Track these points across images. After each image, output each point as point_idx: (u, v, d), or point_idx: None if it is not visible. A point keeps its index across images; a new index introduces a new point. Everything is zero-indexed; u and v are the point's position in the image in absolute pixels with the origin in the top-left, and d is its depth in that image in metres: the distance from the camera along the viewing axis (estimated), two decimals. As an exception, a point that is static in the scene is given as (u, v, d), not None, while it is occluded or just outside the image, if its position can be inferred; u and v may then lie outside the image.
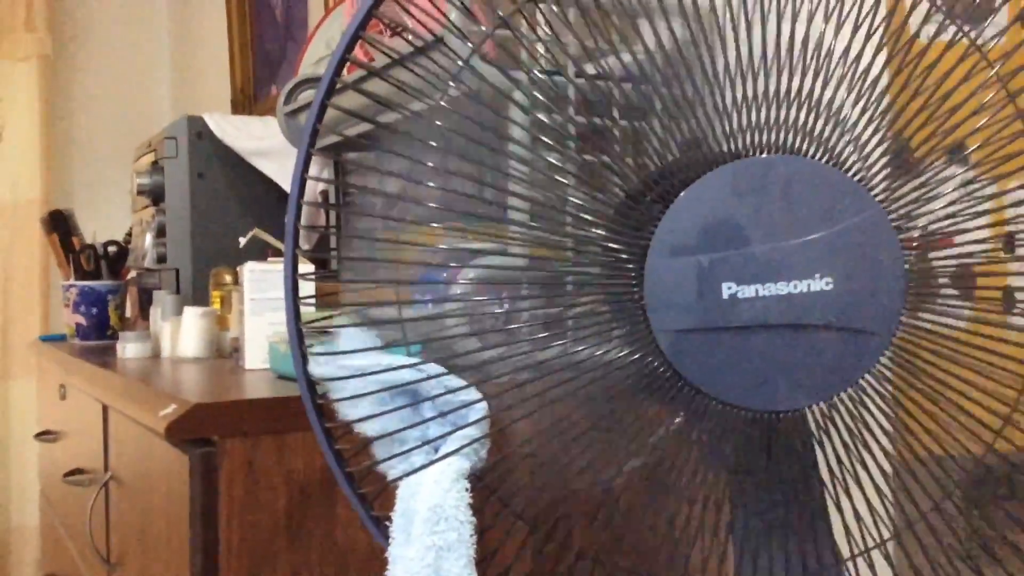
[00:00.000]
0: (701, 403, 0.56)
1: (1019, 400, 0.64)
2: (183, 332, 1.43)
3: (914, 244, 0.57)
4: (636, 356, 0.57)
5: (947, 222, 0.63)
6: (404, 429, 0.59)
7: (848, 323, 0.54)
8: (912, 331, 0.61)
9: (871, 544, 0.67)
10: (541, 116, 0.63)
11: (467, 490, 0.57)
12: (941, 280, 0.58)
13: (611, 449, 0.60)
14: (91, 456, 1.45)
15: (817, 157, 0.56)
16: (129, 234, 1.94)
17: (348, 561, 0.94)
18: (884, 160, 0.63)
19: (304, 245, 1.55)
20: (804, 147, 0.56)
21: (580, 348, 0.57)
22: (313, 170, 1.59)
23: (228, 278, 1.55)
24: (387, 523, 0.61)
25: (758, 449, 0.57)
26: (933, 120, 0.61)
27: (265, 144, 1.60)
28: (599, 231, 0.58)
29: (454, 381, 0.59)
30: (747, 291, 0.53)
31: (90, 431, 1.46)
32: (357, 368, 0.60)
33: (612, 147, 0.60)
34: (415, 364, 0.60)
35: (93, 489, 1.42)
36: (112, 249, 1.90)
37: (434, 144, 0.65)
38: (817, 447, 0.63)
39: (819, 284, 0.54)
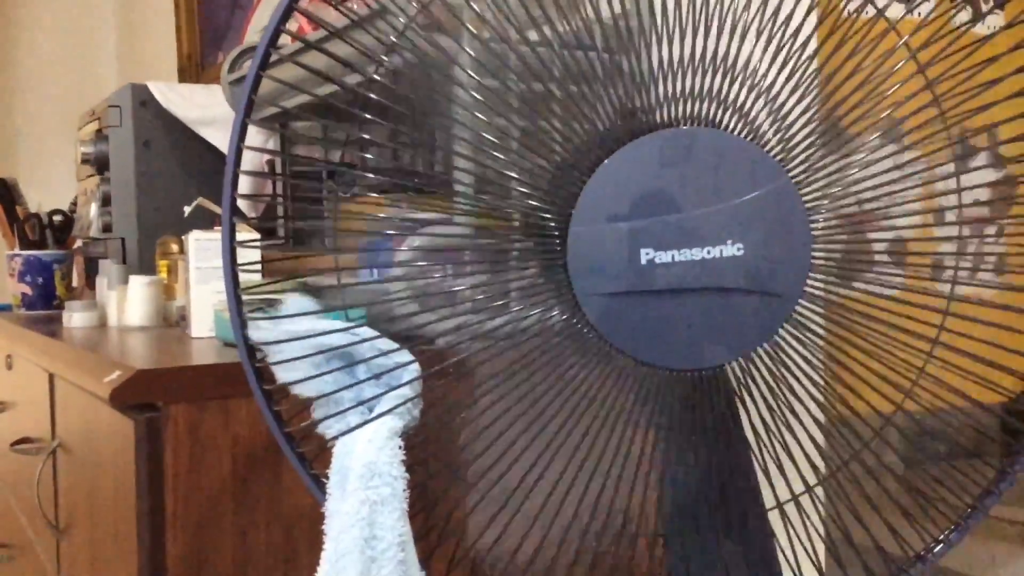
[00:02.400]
0: (626, 364, 0.58)
1: (926, 364, 0.68)
2: (129, 301, 1.43)
3: (823, 213, 0.60)
4: (563, 320, 0.59)
5: (852, 191, 0.66)
6: (339, 391, 0.61)
7: (758, 286, 0.57)
8: (821, 294, 0.64)
9: (798, 492, 0.71)
10: (485, 81, 0.65)
11: (400, 448, 0.60)
12: (847, 247, 0.61)
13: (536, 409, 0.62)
14: (38, 425, 1.45)
15: (737, 131, 0.59)
16: (74, 203, 1.92)
17: (294, 524, 0.96)
18: (803, 133, 0.65)
19: (251, 214, 1.55)
20: (726, 120, 0.59)
21: (511, 315, 0.59)
22: (257, 140, 1.59)
23: (174, 247, 1.55)
24: (324, 480, 0.63)
25: (683, 407, 0.60)
26: (847, 91, 0.64)
27: (210, 113, 1.60)
28: (531, 200, 0.60)
29: (387, 344, 0.61)
30: (664, 256, 0.56)
31: (37, 400, 1.46)
32: (293, 332, 0.62)
33: (549, 115, 0.62)
34: (348, 328, 0.62)
35: (41, 458, 1.42)
36: (57, 218, 1.89)
37: (369, 117, 0.67)
38: (739, 402, 0.66)
39: (731, 250, 0.57)
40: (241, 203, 1.54)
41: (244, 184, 1.54)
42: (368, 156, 0.69)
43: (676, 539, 0.72)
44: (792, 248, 0.58)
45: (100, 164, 1.69)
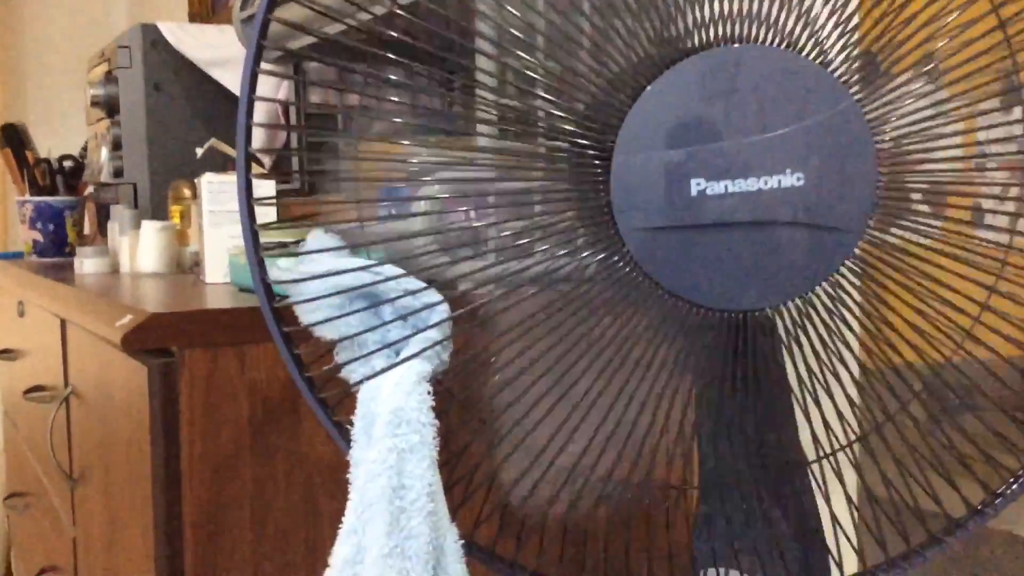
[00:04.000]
0: (669, 304, 0.54)
1: (981, 313, 0.64)
2: (141, 247, 1.40)
3: (887, 147, 0.55)
4: (601, 257, 0.55)
5: (919, 130, 0.62)
6: (363, 332, 0.57)
7: (818, 220, 0.53)
8: (880, 235, 0.60)
9: (837, 447, 0.67)
10: (509, 13, 0.60)
11: (429, 393, 0.56)
12: (911, 186, 0.57)
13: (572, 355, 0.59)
14: (51, 372, 1.42)
15: (794, 47, 0.54)
16: (85, 148, 1.88)
17: (313, 472, 0.93)
18: (859, 59, 0.61)
19: (264, 160, 1.51)
20: (780, 35, 0.54)
21: (544, 254, 0.55)
22: (270, 82, 1.54)
23: (187, 192, 1.51)
24: (348, 427, 0.60)
25: (727, 352, 0.56)
26: (899, 29, 0.59)
27: (222, 53, 1.55)
28: (568, 131, 0.56)
29: (413, 283, 0.57)
30: (716, 187, 0.52)
31: (49, 347, 1.43)
32: (314, 272, 0.58)
33: (580, 46, 0.58)
34: (372, 266, 0.58)
35: (54, 405, 1.40)
36: (68, 164, 1.85)
37: (393, 56, 0.63)
38: (786, 350, 0.62)
39: (790, 179, 0.52)
40: (254, 147, 1.50)
41: (257, 132, 1.49)
42: (393, 99, 0.65)
43: (713, 492, 0.69)
44: (855, 179, 0.53)
45: (110, 107, 1.64)
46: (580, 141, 0.53)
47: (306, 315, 0.59)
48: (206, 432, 0.89)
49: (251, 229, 0.62)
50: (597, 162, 0.52)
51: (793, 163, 0.52)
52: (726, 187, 0.52)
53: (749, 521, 0.70)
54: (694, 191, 0.51)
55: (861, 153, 0.53)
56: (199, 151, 1.25)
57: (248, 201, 0.62)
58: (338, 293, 0.57)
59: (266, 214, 1.23)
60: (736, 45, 0.53)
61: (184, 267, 1.42)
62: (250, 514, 0.91)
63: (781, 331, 0.62)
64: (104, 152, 1.67)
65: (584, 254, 0.52)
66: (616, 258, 0.53)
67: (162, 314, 0.87)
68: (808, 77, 0.53)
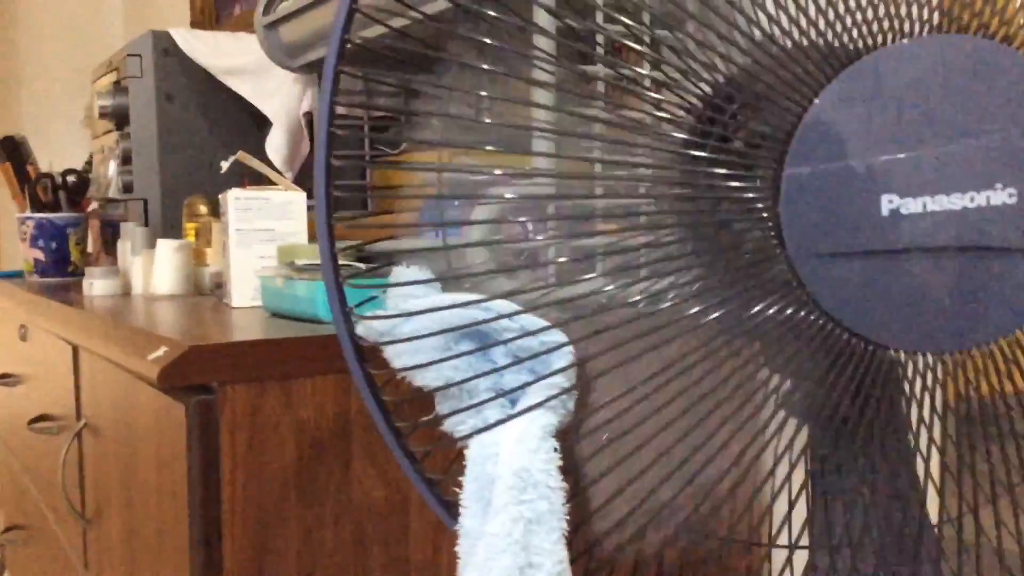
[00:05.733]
0: (843, 343, 0.46)
1: None
2: (157, 267, 1.31)
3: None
4: (767, 286, 0.47)
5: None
6: (474, 378, 0.49)
7: (1036, 245, 0.45)
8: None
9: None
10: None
11: (555, 451, 0.48)
12: None
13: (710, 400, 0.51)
14: (59, 403, 1.33)
15: (1006, 39, 0.46)
16: (89, 162, 1.79)
17: (364, 519, 0.84)
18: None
19: (287, 172, 1.43)
20: (975, 30, 0.46)
21: (692, 280, 0.47)
22: (294, 89, 1.46)
23: (203, 208, 1.42)
24: (446, 489, 0.51)
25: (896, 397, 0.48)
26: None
27: (240, 61, 1.47)
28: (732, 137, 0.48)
29: (532, 321, 0.49)
30: (912, 205, 0.44)
31: (57, 375, 1.34)
32: (414, 307, 0.50)
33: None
34: (481, 301, 0.50)
35: (63, 437, 1.31)
36: (71, 178, 1.76)
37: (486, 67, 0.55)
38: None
39: (1001, 196, 0.44)
40: (277, 160, 1.42)
41: (280, 140, 1.41)
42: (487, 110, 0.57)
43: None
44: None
45: (119, 118, 1.56)
46: (747, 150, 0.45)
47: (400, 358, 0.51)
48: (248, 475, 0.80)
49: (331, 253, 0.54)
50: (763, 174, 0.44)
51: (1004, 177, 0.44)
52: (924, 205, 0.44)
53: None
54: (885, 210, 0.44)
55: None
56: (224, 165, 1.17)
57: (328, 223, 0.54)
58: (444, 332, 0.49)
59: (294, 233, 1.15)
60: (930, 35, 0.45)
61: (202, 288, 1.34)
62: (296, 564, 0.82)
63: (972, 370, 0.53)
64: (112, 166, 1.58)
65: (748, 280, 0.44)
66: (784, 288, 0.45)
67: (203, 346, 0.78)
68: (1018, 73, 0.44)
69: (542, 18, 0.78)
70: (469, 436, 0.49)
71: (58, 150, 2.56)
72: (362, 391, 0.55)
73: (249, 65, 1.47)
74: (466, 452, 0.50)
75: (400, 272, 0.57)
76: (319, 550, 0.83)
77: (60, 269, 1.73)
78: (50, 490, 1.42)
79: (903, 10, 0.45)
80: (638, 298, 0.48)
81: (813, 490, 0.61)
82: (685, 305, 0.48)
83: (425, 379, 0.50)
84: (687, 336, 0.48)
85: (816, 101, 0.43)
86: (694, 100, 0.50)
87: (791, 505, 0.59)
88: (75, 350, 1.21)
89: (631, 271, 0.50)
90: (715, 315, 0.46)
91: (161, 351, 0.80)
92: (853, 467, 0.59)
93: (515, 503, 0.46)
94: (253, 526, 0.81)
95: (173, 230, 1.51)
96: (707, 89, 0.50)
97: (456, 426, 0.50)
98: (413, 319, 0.51)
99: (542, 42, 0.65)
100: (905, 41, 0.44)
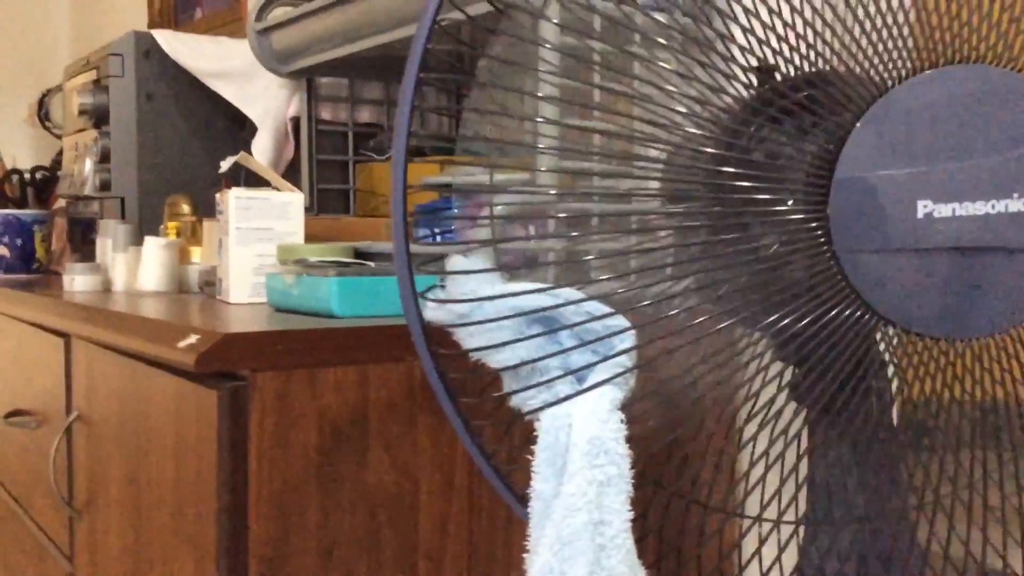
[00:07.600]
0: (875, 328, 0.53)
1: None
2: (144, 264, 1.33)
3: None
4: (817, 279, 0.53)
5: None
6: (544, 358, 0.54)
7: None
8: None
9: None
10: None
11: (622, 421, 0.53)
12: None
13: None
14: (39, 397, 1.34)
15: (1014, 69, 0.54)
16: (58, 158, 1.80)
17: (377, 503, 0.89)
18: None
19: (278, 172, 1.46)
20: (1002, 62, 0.54)
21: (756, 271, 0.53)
22: (281, 95, 1.50)
23: (186, 207, 1.45)
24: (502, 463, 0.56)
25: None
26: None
27: (225, 65, 1.50)
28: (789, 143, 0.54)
29: (597, 307, 0.55)
30: (944, 210, 0.51)
31: (37, 368, 1.35)
32: (488, 292, 0.55)
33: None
34: (548, 288, 0.56)
35: (45, 431, 1.32)
36: (40, 175, 1.76)
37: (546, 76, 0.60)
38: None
39: (1017, 204, 0.52)
40: (262, 163, 1.45)
41: (267, 143, 1.45)
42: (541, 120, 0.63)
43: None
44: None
45: (98, 116, 1.57)
46: (795, 155, 0.52)
47: (473, 338, 0.56)
48: (274, 461, 0.84)
49: (405, 246, 0.59)
50: (816, 181, 0.51)
51: (1021, 187, 0.52)
52: (953, 210, 0.51)
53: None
54: (920, 213, 0.51)
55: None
56: (224, 165, 1.20)
57: (404, 219, 0.59)
58: (518, 315, 0.54)
59: (292, 232, 1.19)
60: (959, 65, 0.52)
61: (186, 286, 1.36)
62: (316, 545, 0.86)
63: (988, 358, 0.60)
64: (88, 163, 1.59)
65: (800, 274, 0.51)
66: (831, 281, 0.51)
67: (238, 334, 0.82)
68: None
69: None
70: (540, 409, 0.55)
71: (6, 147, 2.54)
72: (429, 374, 0.60)
73: (234, 69, 1.50)
74: (536, 424, 0.55)
75: (458, 262, 0.62)
76: (337, 531, 0.87)
77: (26, 265, 1.73)
78: (25, 483, 1.43)
79: (938, 47, 0.52)
80: (692, 287, 0.54)
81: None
82: (736, 295, 0.54)
83: (499, 359, 0.56)
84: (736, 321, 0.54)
85: (863, 117, 0.50)
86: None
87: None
88: (67, 342, 1.22)
89: (692, 264, 0.56)
90: (760, 303, 0.52)
91: (193, 339, 0.84)
92: (849, 454, 0.66)
93: (589, 467, 0.51)
94: (276, 512, 0.84)
95: (150, 228, 1.53)
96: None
97: (526, 401, 0.55)
98: (486, 304, 0.56)
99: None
100: (937, 70, 0.51)
